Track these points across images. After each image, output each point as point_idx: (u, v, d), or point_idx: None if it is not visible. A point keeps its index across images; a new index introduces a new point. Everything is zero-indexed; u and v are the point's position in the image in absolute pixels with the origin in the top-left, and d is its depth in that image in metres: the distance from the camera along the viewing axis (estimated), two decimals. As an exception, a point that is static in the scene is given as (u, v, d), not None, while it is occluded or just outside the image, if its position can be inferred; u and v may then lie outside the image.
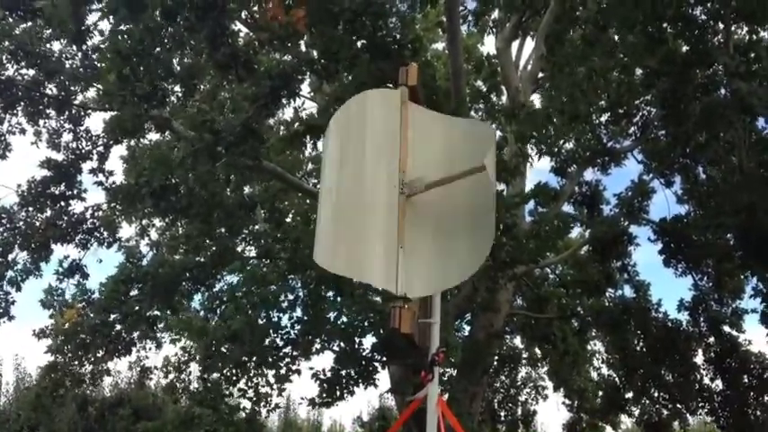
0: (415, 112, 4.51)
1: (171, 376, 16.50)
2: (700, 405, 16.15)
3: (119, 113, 10.57)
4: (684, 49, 11.57)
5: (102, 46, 10.93)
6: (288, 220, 14.66)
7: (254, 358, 11.79)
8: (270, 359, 11.70)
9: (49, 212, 13.03)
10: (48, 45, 11.79)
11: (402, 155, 4.31)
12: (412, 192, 4.27)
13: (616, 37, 11.30)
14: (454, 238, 4.39)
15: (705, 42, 11.25)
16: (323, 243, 4.02)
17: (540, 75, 15.59)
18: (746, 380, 15.70)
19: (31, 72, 11.96)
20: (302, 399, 12.03)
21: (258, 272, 12.05)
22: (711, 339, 15.95)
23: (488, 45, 22.97)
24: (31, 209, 12.94)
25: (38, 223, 12.92)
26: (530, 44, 15.86)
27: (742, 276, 15.48)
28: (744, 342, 15.61)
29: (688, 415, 16.75)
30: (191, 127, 10.06)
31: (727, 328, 15.68)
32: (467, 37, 15.74)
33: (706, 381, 15.97)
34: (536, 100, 16.10)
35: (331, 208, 4.10)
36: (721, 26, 11.23)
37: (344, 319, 11.42)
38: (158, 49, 9.96)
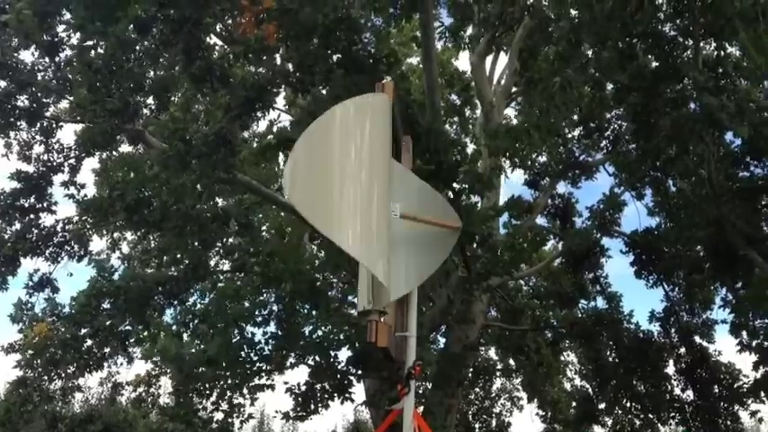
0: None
1: (140, 389, 16.30)
2: (671, 415, 16.28)
3: (90, 126, 10.48)
4: (654, 64, 11.77)
5: (73, 60, 10.83)
6: (262, 232, 14.59)
7: (228, 375, 11.68)
8: (244, 377, 11.60)
9: (18, 225, 12.83)
10: (17, 55, 11.65)
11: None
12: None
13: (589, 52, 11.46)
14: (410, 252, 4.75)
15: (674, 58, 11.45)
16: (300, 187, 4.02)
17: (514, 89, 15.77)
18: (717, 390, 15.88)
19: (2, 83, 11.82)
20: (276, 412, 11.96)
21: (230, 289, 11.95)
22: (682, 350, 16.12)
23: (463, 60, 23.17)
24: (0, 221, 12.74)
25: (6, 236, 12.71)
26: (503, 59, 16.06)
27: (712, 288, 15.70)
28: (714, 352, 15.83)
29: (660, 425, 16.85)
30: (162, 136, 10.00)
31: (697, 339, 15.89)
32: (441, 52, 15.87)
33: (677, 391, 16.13)
34: (510, 114, 16.30)
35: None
36: (690, 42, 11.44)
37: (319, 332, 11.38)
38: (131, 63, 9.90)
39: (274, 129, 12.90)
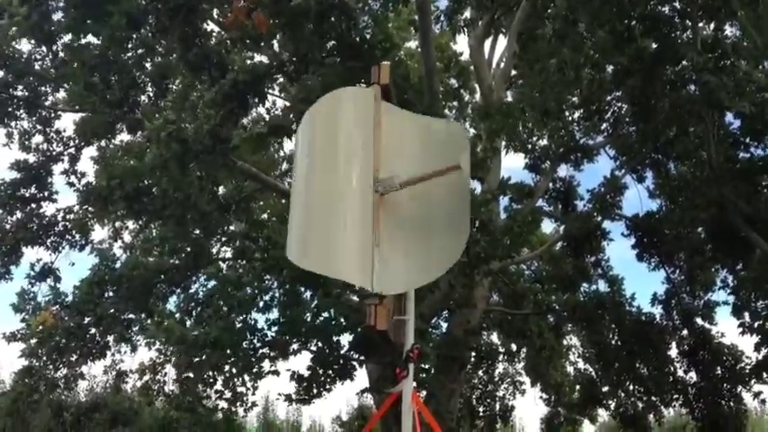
0: (388, 110, 4.52)
1: (146, 377, 16.34)
2: (674, 397, 16.36)
3: (89, 116, 10.49)
4: (653, 46, 11.71)
5: (66, 58, 10.82)
6: (263, 218, 14.59)
7: (233, 361, 11.73)
8: (248, 362, 11.66)
9: (19, 215, 12.86)
10: (14, 44, 11.63)
11: (375, 153, 4.33)
12: (386, 190, 4.28)
13: (586, 33, 11.40)
14: (429, 236, 4.42)
15: (673, 39, 11.39)
16: (295, 240, 4.04)
17: (513, 73, 15.70)
18: (719, 371, 15.93)
19: (0, 73, 11.80)
20: (279, 395, 12.05)
21: (233, 276, 11.99)
22: (684, 332, 16.16)
23: (461, 43, 23.06)
24: (1, 211, 12.77)
25: (8, 226, 12.74)
26: (502, 42, 15.98)
27: (713, 269, 15.70)
28: (716, 334, 15.85)
29: (663, 407, 16.94)
30: (158, 138, 9.98)
31: (699, 321, 15.91)
32: (439, 35, 15.78)
33: (680, 373, 16.19)
34: (509, 98, 16.20)
35: (303, 205, 4.12)
36: (688, 23, 11.38)
37: (321, 318, 11.42)
38: (126, 56, 9.88)
39: (267, 117, 12.84)
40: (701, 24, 11.89)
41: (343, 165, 4.22)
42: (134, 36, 9.98)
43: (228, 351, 11.23)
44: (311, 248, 4.03)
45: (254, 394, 12.38)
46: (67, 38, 10.73)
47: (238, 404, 12.38)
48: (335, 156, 4.22)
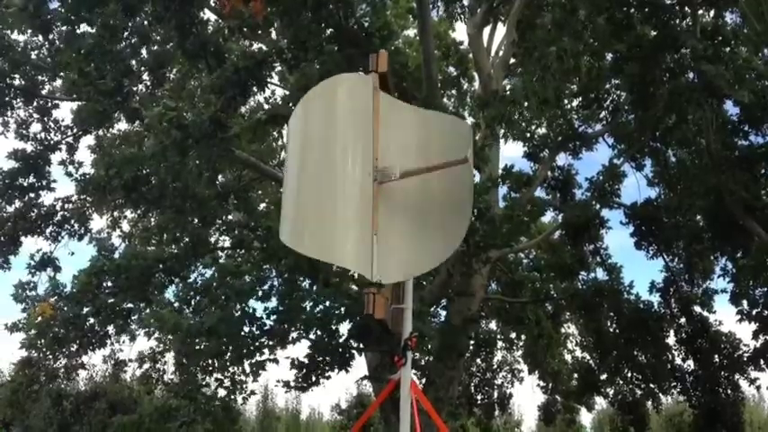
0: (387, 101, 4.52)
1: (146, 366, 16.39)
2: (672, 385, 16.42)
3: (86, 105, 10.46)
4: (652, 33, 11.67)
5: (62, 46, 10.77)
6: (262, 208, 14.58)
7: (231, 350, 11.74)
8: (246, 351, 11.67)
9: (18, 204, 12.85)
10: (10, 33, 11.58)
11: (374, 142, 4.32)
12: (384, 179, 4.29)
13: (585, 21, 11.35)
14: (427, 226, 4.45)
15: (672, 27, 11.35)
16: (290, 223, 4.03)
17: (512, 61, 15.65)
18: (717, 359, 15.98)
19: (-4, 62, 11.77)
20: (278, 381, 12.07)
21: (230, 265, 11.98)
22: (683, 320, 16.19)
23: (460, 31, 22.99)
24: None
25: (6, 215, 12.73)
26: (501, 30, 15.92)
27: (711, 257, 15.72)
28: (714, 322, 15.89)
29: (661, 395, 17.00)
30: (157, 125, 9.96)
31: (698, 309, 15.94)
32: (438, 23, 15.73)
33: (678, 361, 16.24)
34: (508, 86, 16.17)
35: (297, 189, 4.10)
36: (688, 10, 11.33)
37: (320, 307, 11.42)
38: (120, 45, 9.83)
39: (265, 106, 12.81)
40: (700, 11, 11.84)
41: (340, 151, 4.21)
42: (129, 24, 9.93)
43: (225, 339, 11.23)
44: (305, 232, 4.02)
45: (254, 381, 12.40)
46: (64, 27, 10.69)
47: (237, 392, 12.40)
48: (333, 142, 4.21)
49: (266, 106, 12.77)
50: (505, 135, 13.26)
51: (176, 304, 13.21)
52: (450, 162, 4.31)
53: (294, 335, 11.72)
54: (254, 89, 10.03)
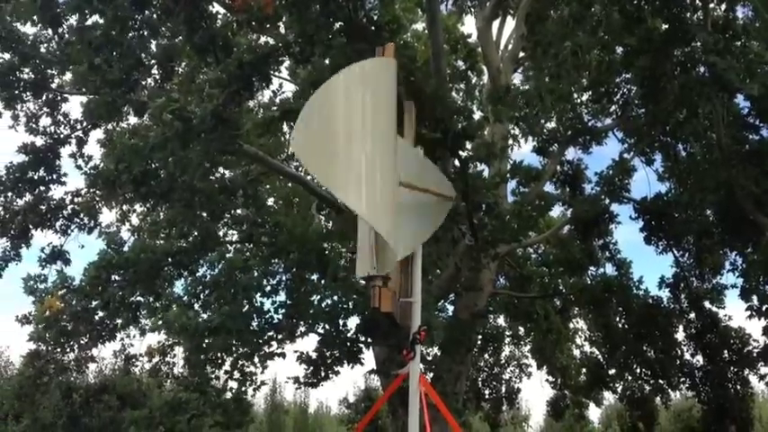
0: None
1: (156, 359, 16.42)
2: (681, 380, 16.39)
3: (94, 98, 10.47)
4: (663, 27, 11.59)
5: (72, 38, 10.78)
6: (270, 203, 14.59)
7: (239, 344, 11.76)
8: (254, 344, 11.68)
9: (28, 197, 12.90)
10: (19, 26, 11.60)
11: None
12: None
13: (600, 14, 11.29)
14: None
15: (683, 20, 11.27)
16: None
17: (521, 55, 15.58)
18: (726, 355, 15.94)
19: (6, 56, 11.79)
20: (288, 378, 12.09)
21: (238, 259, 11.99)
22: (692, 315, 16.15)
23: (468, 25, 22.92)
24: (9, 194, 12.79)
25: (17, 209, 12.78)
26: (510, 24, 15.84)
27: (721, 252, 15.64)
28: (724, 317, 15.84)
29: (669, 390, 16.97)
30: (160, 116, 9.95)
31: (707, 304, 15.88)
32: (447, 17, 15.67)
33: (687, 356, 16.23)
34: (517, 80, 16.13)
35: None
36: (699, 3, 11.25)
37: (328, 301, 11.42)
38: (130, 35, 9.83)
39: (277, 99, 12.77)
40: (712, 5, 11.76)
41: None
42: (138, 17, 9.92)
43: (234, 335, 11.25)
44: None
45: (263, 372, 12.43)
46: (73, 19, 10.70)
47: (248, 384, 12.42)
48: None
49: (277, 100, 12.73)
50: (523, 134, 13.23)
51: (186, 298, 13.25)
52: (442, 195, 5.52)
53: (302, 329, 11.74)
54: (259, 83, 10.01)
